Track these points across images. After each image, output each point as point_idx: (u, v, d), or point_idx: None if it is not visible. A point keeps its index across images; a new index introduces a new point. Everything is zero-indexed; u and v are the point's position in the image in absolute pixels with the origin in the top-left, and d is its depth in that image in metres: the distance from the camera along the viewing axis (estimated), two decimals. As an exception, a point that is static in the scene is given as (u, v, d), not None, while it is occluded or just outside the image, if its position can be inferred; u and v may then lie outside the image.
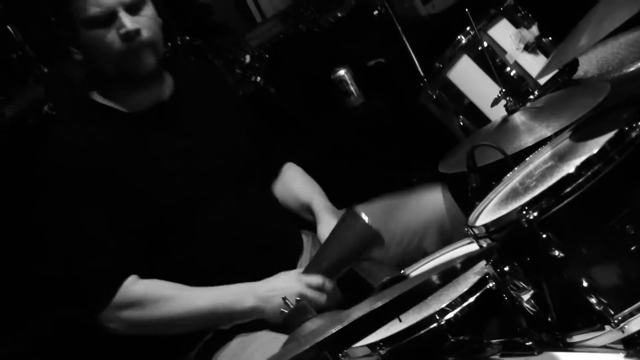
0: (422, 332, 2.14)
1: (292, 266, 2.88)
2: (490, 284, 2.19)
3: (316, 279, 2.63)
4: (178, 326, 2.71)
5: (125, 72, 2.73)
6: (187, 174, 2.80)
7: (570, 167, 2.07)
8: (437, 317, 2.14)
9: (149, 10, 2.74)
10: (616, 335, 2.06)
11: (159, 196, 2.72)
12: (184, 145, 2.83)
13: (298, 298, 2.40)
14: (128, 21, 2.65)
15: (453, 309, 2.15)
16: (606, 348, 2.08)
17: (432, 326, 2.14)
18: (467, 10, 2.93)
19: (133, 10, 2.68)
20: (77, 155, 2.69)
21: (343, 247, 2.70)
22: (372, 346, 2.17)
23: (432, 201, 3.00)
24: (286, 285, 2.63)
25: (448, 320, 2.14)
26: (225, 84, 3.54)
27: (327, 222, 2.90)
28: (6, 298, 3.99)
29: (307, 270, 2.70)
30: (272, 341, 2.63)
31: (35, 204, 2.84)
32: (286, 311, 2.01)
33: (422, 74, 3.71)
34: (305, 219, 3.06)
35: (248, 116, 3.23)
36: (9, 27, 4.63)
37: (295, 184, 3.13)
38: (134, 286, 2.66)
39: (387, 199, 3.11)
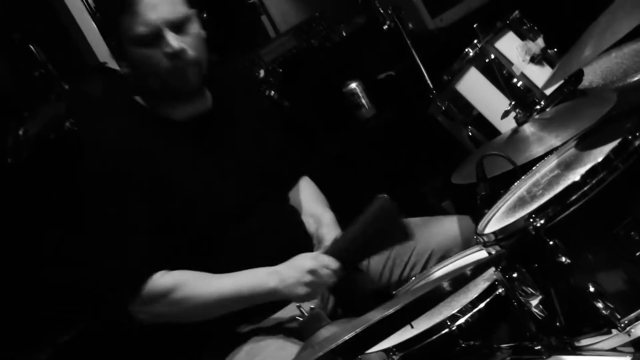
0: (434, 337, 2.13)
1: None
2: (500, 290, 2.18)
3: (332, 261, 2.58)
4: (204, 313, 2.70)
5: (171, 88, 2.72)
6: (223, 184, 2.78)
7: (575, 176, 2.07)
8: (449, 323, 2.13)
9: (194, 28, 2.72)
10: (623, 338, 2.06)
11: (194, 203, 2.72)
12: (222, 156, 2.81)
13: (310, 279, 2.44)
14: (174, 41, 2.64)
15: (464, 315, 2.14)
16: (615, 351, 2.08)
17: (443, 332, 2.13)
18: (475, 26, 2.94)
19: (179, 29, 2.66)
20: (121, 154, 2.69)
21: (368, 235, 2.63)
22: (385, 352, 2.16)
23: (451, 229, 2.96)
24: (303, 262, 2.60)
25: (459, 326, 2.12)
26: (257, 91, 3.51)
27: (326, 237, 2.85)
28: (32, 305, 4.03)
29: (328, 251, 2.64)
30: (280, 350, 2.63)
31: (77, 200, 2.87)
32: (301, 319, 2.02)
33: (431, 86, 3.72)
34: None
35: (277, 122, 3.24)
36: (31, 47, 4.66)
37: (304, 195, 3.09)
38: (162, 279, 2.65)
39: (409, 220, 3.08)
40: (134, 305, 2.67)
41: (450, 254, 2.84)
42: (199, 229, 2.73)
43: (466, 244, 2.84)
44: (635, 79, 3.28)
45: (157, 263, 2.67)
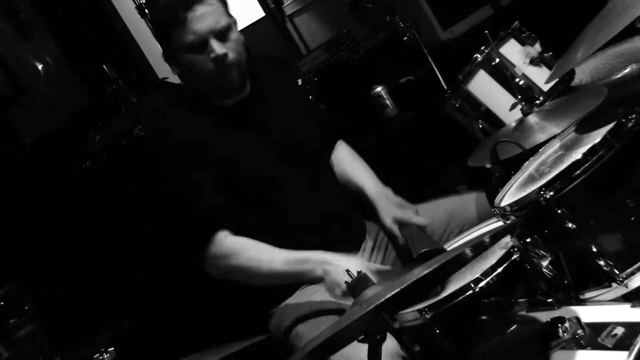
0: (460, 298, 2.11)
1: (355, 249, 2.85)
2: (515, 256, 2.15)
3: (377, 267, 2.59)
4: (257, 282, 2.70)
5: (216, 86, 2.74)
6: (263, 153, 2.78)
7: (577, 155, 2.10)
8: (472, 285, 2.11)
9: (234, 35, 2.72)
10: (621, 290, 2.08)
11: (241, 171, 2.72)
12: (260, 130, 2.82)
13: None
14: (218, 47, 2.65)
15: (485, 278, 2.11)
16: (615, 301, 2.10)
17: (468, 293, 2.11)
18: (486, 31, 2.95)
19: (222, 37, 2.67)
20: (184, 138, 2.73)
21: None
22: (419, 312, 2.15)
23: (483, 204, 2.89)
24: (351, 265, 2.51)
25: (481, 288, 2.10)
26: (290, 75, 3.50)
27: (384, 209, 2.83)
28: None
29: (378, 277, 2.52)
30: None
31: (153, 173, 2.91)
32: (349, 281, 2.03)
33: (445, 87, 3.73)
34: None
35: (307, 100, 3.26)
36: (104, 67, 4.71)
37: (346, 165, 3.04)
38: (225, 240, 2.66)
39: (449, 198, 3.07)
40: (205, 260, 2.69)
41: (471, 224, 2.81)
42: (248, 192, 2.72)
43: (481, 215, 2.83)
44: (619, 76, 3.28)
45: (220, 221, 2.68)
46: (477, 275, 2.13)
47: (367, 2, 4.15)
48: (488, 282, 2.12)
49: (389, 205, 2.85)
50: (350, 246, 2.83)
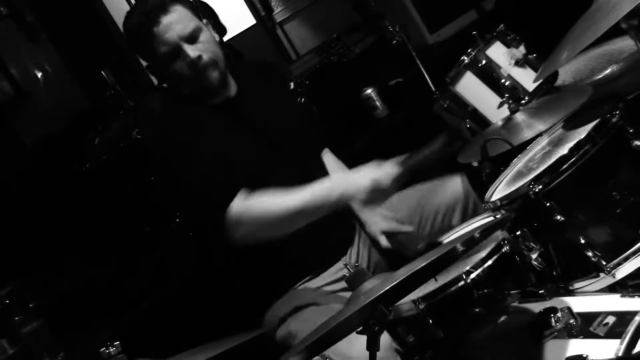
0: (453, 289, 2.13)
1: (343, 252, 2.84)
2: (504, 249, 2.17)
3: (392, 167, 2.53)
4: (279, 225, 2.59)
5: (198, 88, 2.71)
6: (249, 150, 2.74)
7: (564, 150, 2.11)
8: (464, 277, 2.12)
9: (205, 36, 2.69)
10: (609, 280, 2.09)
11: (229, 167, 2.66)
12: (246, 128, 2.78)
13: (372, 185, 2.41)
14: (190, 51, 2.63)
15: (476, 270, 2.13)
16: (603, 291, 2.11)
17: (460, 284, 2.13)
18: (474, 33, 2.95)
19: (192, 40, 2.65)
20: (181, 133, 2.71)
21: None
22: (413, 302, 2.14)
23: (454, 186, 2.94)
24: (367, 170, 2.52)
25: (473, 279, 2.12)
26: (280, 77, 3.47)
27: (369, 220, 2.87)
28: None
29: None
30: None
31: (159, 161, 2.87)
32: (348, 274, 2.03)
33: (433, 89, 3.73)
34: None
35: (297, 101, 3.23)
36: (103, 72, 4.70)
37: (329, 166, 3.01)
38: (240, 202, 2.58)
39: (418, 187, 3.05)
40: (229, 231, 2.60)
41: (447, 208, 2.89)
42: (242, 187, 2.63)
43: (467, 195, 2.89)
44: (600, 77, 3.29)
45: (233, 191, 2.61)
46: (468, 268, 2.14)
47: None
48: (479, 274, 2.13)
49: (373, 216, 2.89)
50: (342, 238, 2.86)
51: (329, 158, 3.08)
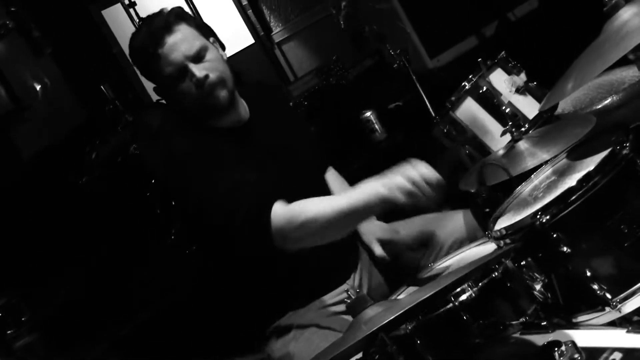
0: (440, 310, 2.06)
1: (347, 276, 2.78)
2: (495, 274, 2.08)
3: (431, 172, 2.38)
4: (329, 231, 2.44)
5: (206, 107, 2.62)
6: (262, 176, 2.60)
7: (572, 181, 2.04)
8: (452, 299, 2.05)
9: (211, 54, 2.62)
10: (614, 315, 2.01)
11: (238, 195, 2.52)
12: (258, 154, 2.69)
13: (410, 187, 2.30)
14: (197, 70, 2.55)
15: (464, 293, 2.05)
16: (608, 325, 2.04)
17: (448, 306, 2.05)
18: (479, 60, 2.91)
19: (198, 60, 2.57)
20: (187, 156, 2.62)
21: None
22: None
23: (458, 220, 2.87)
24: (403, 171, 2.37)
25: (461, 301, 2.04)
26: (284, 99, 3.40)
27: (368, 230, 2.83)
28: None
29: None
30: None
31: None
32: (349, 301, 1.97)
33: (433, 113, 3.68)
34: None
35: (305, 125, 3.20)
36: (102, 87, 4.66)
37: (335, 190, 2.95)
38: (282, 209, 2.45)
39: (423, 215, 2.98)
40: (276, 241, 2.46)
41: (459, 240, 2.80)
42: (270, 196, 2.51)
43: (470, 231, 2.81)
44: (599, 106, 3.26)
45: (269, 197, 2.49)
46: (457, 291, 2.06)
47: (364, 31, 4.11)
48: (468, 296, 2.06)
49: (370, 225, 2.86)
50: (347, 263, 2.82)
51: (332, 176, 3.04)
